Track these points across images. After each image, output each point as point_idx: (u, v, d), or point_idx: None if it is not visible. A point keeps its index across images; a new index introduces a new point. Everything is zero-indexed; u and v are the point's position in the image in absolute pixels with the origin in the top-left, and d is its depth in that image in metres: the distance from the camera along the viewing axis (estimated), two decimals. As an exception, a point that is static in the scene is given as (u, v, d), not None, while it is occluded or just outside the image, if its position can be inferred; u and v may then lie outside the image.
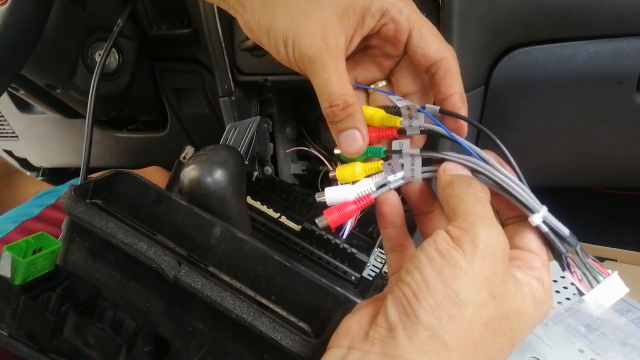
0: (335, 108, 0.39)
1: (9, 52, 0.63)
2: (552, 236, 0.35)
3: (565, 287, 0.52)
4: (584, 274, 0.35)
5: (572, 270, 0.35)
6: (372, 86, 0.45)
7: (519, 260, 0.35)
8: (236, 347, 0.43)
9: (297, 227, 0.66)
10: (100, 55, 0.75)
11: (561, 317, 0.48)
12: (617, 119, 0.65)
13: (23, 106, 1.07)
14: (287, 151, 0.82)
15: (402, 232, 0.41)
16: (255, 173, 0.72)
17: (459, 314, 0.30)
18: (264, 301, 0.44)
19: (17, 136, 1.18)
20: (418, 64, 0.41)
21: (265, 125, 0.79)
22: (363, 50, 0.44)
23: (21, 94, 0.91)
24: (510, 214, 0.38)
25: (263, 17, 0.41)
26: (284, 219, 0.67)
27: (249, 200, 0.67)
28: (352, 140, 0.40)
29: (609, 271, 0.35)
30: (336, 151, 0.42)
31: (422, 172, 0.39)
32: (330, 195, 0.40)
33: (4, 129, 1.17)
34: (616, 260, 0.77)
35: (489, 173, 0.37)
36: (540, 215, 0.35)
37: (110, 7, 0.81)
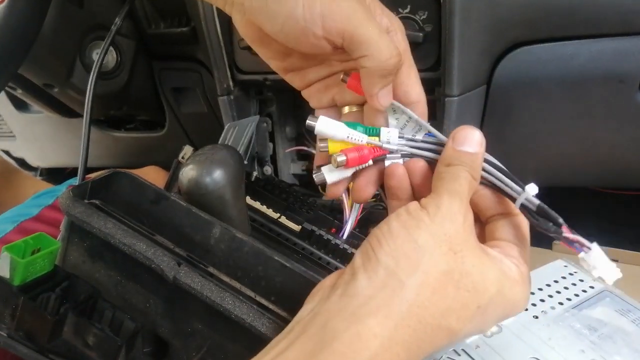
0: (396, 59, 0.38)
1: (6, 51, 0.63)
2: (545, 208, 0.36)
3: (566, 288, 0.52)
4: (578, 240, 0.35)
5: (570, 238, 0.35)
6: (347, 108, 0.45)
7: (497, 248, 0.37)
8: (236, 347, 0.43)
9: (296, 228, 0.65)
10: (98, 54, 0.75)
11: (562, 318, 0.48)
12: (618, 119, 0.65)
13: (20, 105, 1.06)
14: (286, 151, 0.82)
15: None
16: (255, 173, 0.72)
17: (416, 257, 0.33)
18: (264, 302, 0.43)
19: (14, 136, 1.17)
20: (395, 97, 0.42)
21: (265, 124, 0.79)
22: (329, 79, 0.44)
23: (18, 93, 0.91)
24: (490, 212, 0.39)
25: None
26: (283, 219, 0.66)
27: (249, 200, 0.67)
28: (389, 93, 0.40)
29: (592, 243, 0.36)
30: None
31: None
32: (323, 124, 0.40)
33: (1, 128, 1.16)
34: (617, 260, 0.77)
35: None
36: (525, 192, 0.37)
37: (108, 6, 0.81)
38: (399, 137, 0.42)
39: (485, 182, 0.39)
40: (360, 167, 0.41)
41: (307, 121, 0.41)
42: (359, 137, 0.41)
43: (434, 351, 0.34)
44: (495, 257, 0.35)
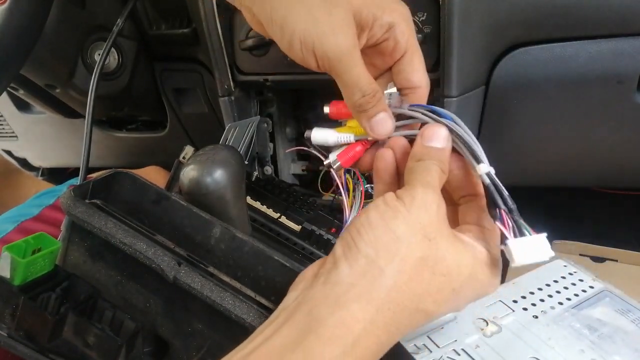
0: (368, 97, 0.42)
1: (8, 52, 0.63)
2: (492, 188, 0.38)
3: (565, 288, 0.52)
4: (514, 226, 0.37)
5: (504, 220, 0.37)
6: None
7: (469, 232, 0.39)
8: (236, 347, 0.43)
9: (297, 227, 0.66)
10: (99, 54, 0.75)
11: (562, 318, 0.48)
12: (617, 119, 0.65)
13: (22, 106, 1.06)
14: (287, 151, 0.82)
15: (390, 190, 0.42)
16: (255, 173, 0.72)
17: (394, 246, 0.35)
18: (264, 301, 0.44)
19: (16, 136, 1.17)
20: (397, 82, 0.45)
21: (265, 125, 0.79)
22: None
23: (20, 93, 0.91)
24: (461, 192, 0.42)
25: (276, 11, 0.41)
26: (283, 219, 0.67)
27: (249, 200, 0.67)
28: (384, 122, 0.43)
29: (540, 234, 0.37)
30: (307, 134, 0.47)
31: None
32: (316, 134, 0.46)
33: (4, 128, 1.16)
34: (617, 261, 0.77)
35: (449, 124, 0.41)
36: (486, 165, 0.39)
37: (109, 7, 0.81)
38: None
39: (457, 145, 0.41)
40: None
41: (305, 134, 0.47)
42: (348, 137, 0.46)
43: (411, 331, 0.36)
44: (467, 242, 0.38)
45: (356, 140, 0.46)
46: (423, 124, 0.43)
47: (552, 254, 0.37)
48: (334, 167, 0.46)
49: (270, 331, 0.34)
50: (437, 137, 0.40)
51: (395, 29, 0.42)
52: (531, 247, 0.37)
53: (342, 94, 0.43)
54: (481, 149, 0.40)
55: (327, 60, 0.41)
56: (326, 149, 0.47)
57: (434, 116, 0.42)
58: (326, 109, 0.47)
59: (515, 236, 0.37)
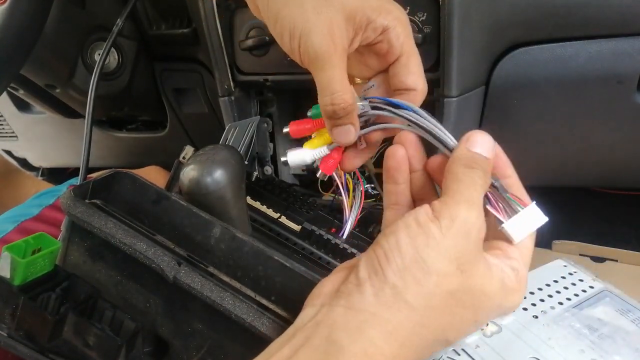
0: (336, 106, 0.41)
1: (8, 52, 0.63)
2: None
3: (565, 287, 0.52)
4: (504, 206, 0.37)
5: (493, 203, 0.37)
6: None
7: (498, 250, 0.37)
8: (236, 347, 0.43)
9: (297, 227, 0.65)
10: (99, 54, 0.75)
11: (562, 317, 0.48)
12: (617, 119, 0.65)
13: (22, 106, 1.06)
14: (287, 151, 0.82)
15: (402, 191, 0.41)
16: (255, 173, 0.72)
17: (423, 279, 0.32)
18: (264, 301, 0.43)
19: (16, 136, 1.17)
20: (392, 84, 0.44)
21: (265, 125, 0.79)
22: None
23: (21, 93, 0.91)
24: None
25: (274, 1, 0.42)
26: (283, 219, 0.66)
27: (249, 200, 0.67)
28: (346, 133, 0.43)
29: (528, 202, 0.37)
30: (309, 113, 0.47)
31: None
32: (292, 157, 0.47)
33: (4, 128, 1.16)
34: (617, 261, 0.77)
35: (409, 116, 0.40)
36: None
37: (109, 7, 0.81)
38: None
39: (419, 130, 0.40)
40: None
41: (281, 160, 0.48)
42: (322, 152, 0.46)
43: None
44: (496, 268, 0.35)
45: (331, 150, 0.46)
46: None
47: (546, 218, 0.37)
48: (318, 175, 0.47)
49: (288, 352, 0.33)
50: (487, 145, 0.37)
51: (390, 32, 0.42)
52: (525, 220, 0.36)
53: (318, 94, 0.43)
54: (448, 134, 0.39)
55: (307, 58, 0.41)
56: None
57: (392, 109, 0.42)
58: (285, 130, 0.47)
59: (508, 215, 0.37)
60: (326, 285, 0.37)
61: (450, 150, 0.38)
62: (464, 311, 0.34)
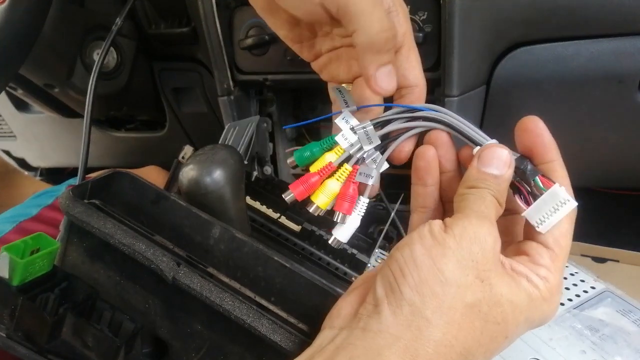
0: (388, 33, 0.37)
1: (6, 51, 0.63)
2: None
3: (567, 288, 0.52)
4: (528, 193, 0.35)
5: (521, 190, 0.35)
6: (344, 85, 0.44)
7: (525, 255, 0.35)
8: (235, 348, 0.43)
9: (296, 228, 0.65)
10: (98, 54, 0.75)
11: (563, 318, 0.48)
12: (618, 119, 0.65)
13: (21, 106, 1.06)
14: (286, 151, 0.81)
15: (430, 193, 0.39)
16: (255, 173, 0.72)
17: (442, 292, 0.31)
18: (264, 302, 0.43)
19: (15, 136, 1.17)
20: None
21: (265, 124, 0.79)
22: (339, 50, 0.44)
23: (19, 93, 0.91)
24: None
25: None
26: (283, 220, 0.66)
27: (249, 200, 0.67)
28: (390, 75, 0.39)
29: (553, 186, 0.35)
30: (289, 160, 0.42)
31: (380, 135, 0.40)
32: (340, 234, 0.41)
33: (2, 128, 1.16)
34: (618, 261, 0.77)
35: (442, 117, 0.38)
36: (492, 141, 0.37)
37: (108, 6, 0.81)
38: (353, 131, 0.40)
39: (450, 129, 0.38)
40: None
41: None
42: (363, 204, 0.41)
43: None
44: (522, 278, 0.33)
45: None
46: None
47: (575, 202, 0.34)
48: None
49: None
50: (497, 161, 0.35)
51: (394, 17, 0.39)
52: (549, 205, 0.34)
53: (354, 37, 0.38)
54: (480, 132, 0.37)
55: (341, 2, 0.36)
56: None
57: (424, 114, 0.39)
58: (290, 197, 0.40)
59: (530, 201, 0.35)
60: (344, 307, 0.35)
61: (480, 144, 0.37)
62: (493, 327, 0.32)
